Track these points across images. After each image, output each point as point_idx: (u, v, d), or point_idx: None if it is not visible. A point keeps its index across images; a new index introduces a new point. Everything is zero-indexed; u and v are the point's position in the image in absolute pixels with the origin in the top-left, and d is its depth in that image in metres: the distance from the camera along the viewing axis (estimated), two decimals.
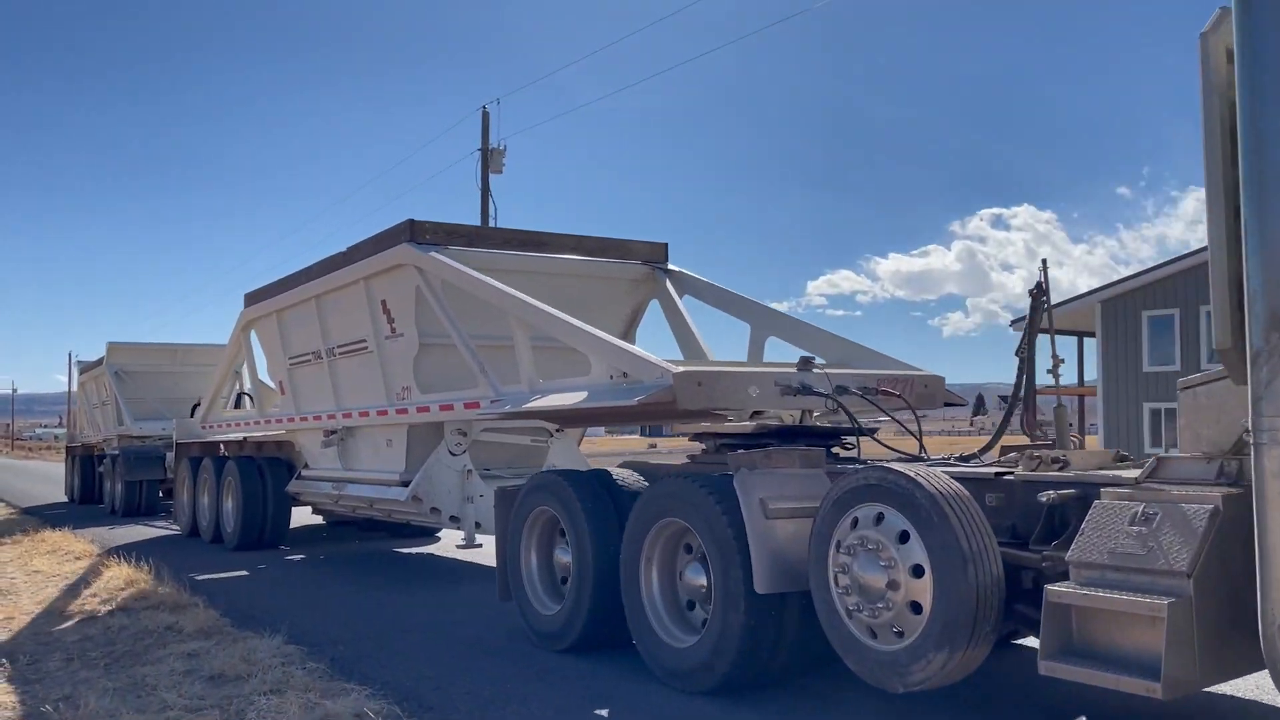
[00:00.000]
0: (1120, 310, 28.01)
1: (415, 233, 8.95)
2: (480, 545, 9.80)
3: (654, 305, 10.20)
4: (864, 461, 6.15)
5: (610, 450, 57.36)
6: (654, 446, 72.28)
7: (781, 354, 8.88)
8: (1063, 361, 5.35)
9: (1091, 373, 35.11)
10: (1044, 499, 4.58)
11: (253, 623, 7.88)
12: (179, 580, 9.84)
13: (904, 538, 4.65)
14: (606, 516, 6.54)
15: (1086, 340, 34.96)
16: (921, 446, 6.85)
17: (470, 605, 8.86)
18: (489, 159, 35.38)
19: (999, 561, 4.48)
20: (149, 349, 20.99)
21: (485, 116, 35.42)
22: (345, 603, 9.20)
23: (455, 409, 8.58)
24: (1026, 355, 5.56)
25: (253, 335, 13.28)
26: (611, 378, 6.67)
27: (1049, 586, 4.13)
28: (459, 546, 9.76)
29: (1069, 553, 4.19)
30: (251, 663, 6.38)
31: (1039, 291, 5.45)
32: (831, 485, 5.06)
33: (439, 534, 14.10)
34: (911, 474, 4.66)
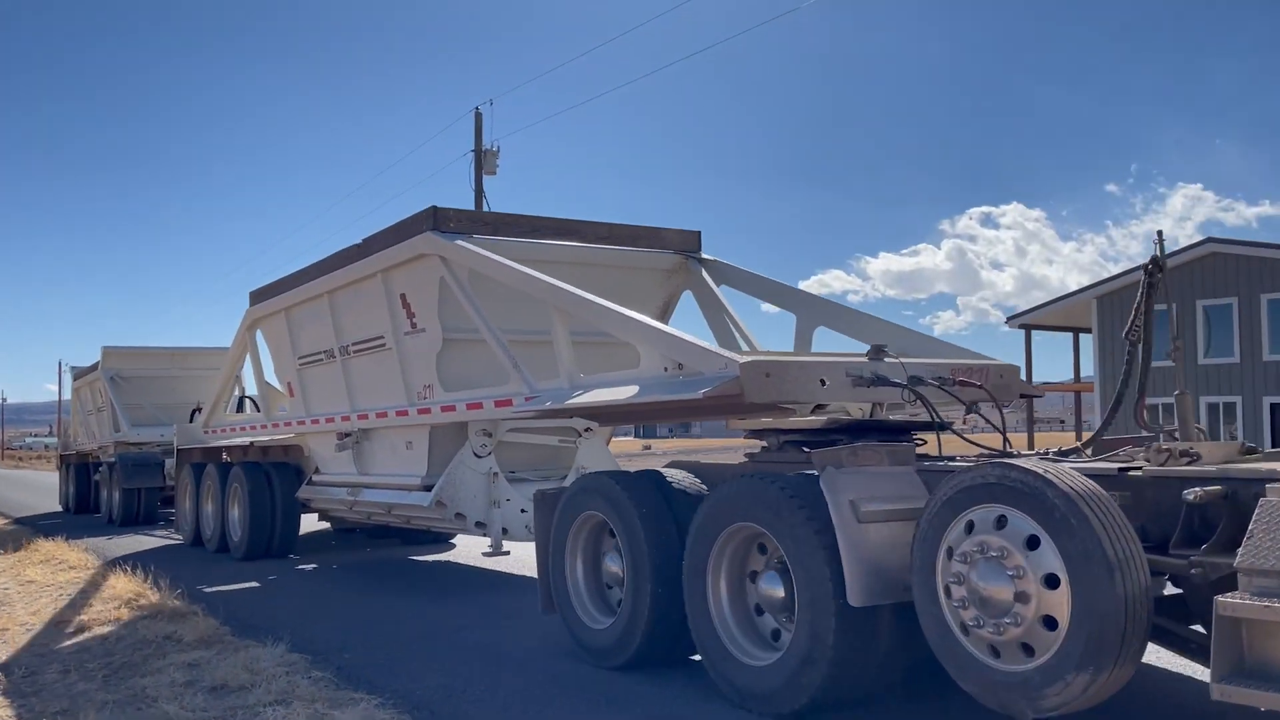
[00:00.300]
0: (1116, 306, 27.80)
1: (439, 220, 8.38)
2: (508, 552, 9.25)
3: (686, 297, 9.65)
4: (951, 458, 5.61)
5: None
6: (649, 448, 71.34)
7: (830, 345, 8.33)
8: (1180, 346, 4.80)
9: (1087, 369, 34.80)
10: (1190, 497, 4.04)
11: (254, 631, 7.58)
12: (186, 591, 9.31)
13: (1033, 543, 4.10)
14: (663, 521, 6.01)
15: (1082, 336, 34.68)
16: (1005, 441, 6.31)
17: (486, 613, 8.46)
18: (482, 160, 34.94)
19: (1146, 569, 3.94)
20: (145, 353, 20.36)
21: (478, 118, 34.91)
22: (351, 610, 8.81)
23: (485, 408, 8.01)
24: (1141, 337, 5.01)
25: (259, 335, 12.68)
26: (665, 370, 6.11)
27: (1220, 598, 3.58)
28: (485, 554, 9.20)
29: (1239, 558, 3.64)
30: (255, 672, 6.14)
31: (1155, 266, 4.90)
32: (940, 484, 4.51)
33: (454, 540, 13.55)
34: (1040, 471, 4.12)
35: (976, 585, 4.23)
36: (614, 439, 10.91)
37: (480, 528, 9.06)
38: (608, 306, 6.67)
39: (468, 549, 13.00)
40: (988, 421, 6.50)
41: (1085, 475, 4.20)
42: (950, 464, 5.25)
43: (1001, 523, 4.21)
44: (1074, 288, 30.79)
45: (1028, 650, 4.11)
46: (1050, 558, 4.03)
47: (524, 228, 8.72)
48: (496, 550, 9.06)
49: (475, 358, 8.72)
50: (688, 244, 9.53)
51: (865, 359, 6.12)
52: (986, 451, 5.80)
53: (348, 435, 10.41)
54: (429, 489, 9.05)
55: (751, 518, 5.27)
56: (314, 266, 10.68)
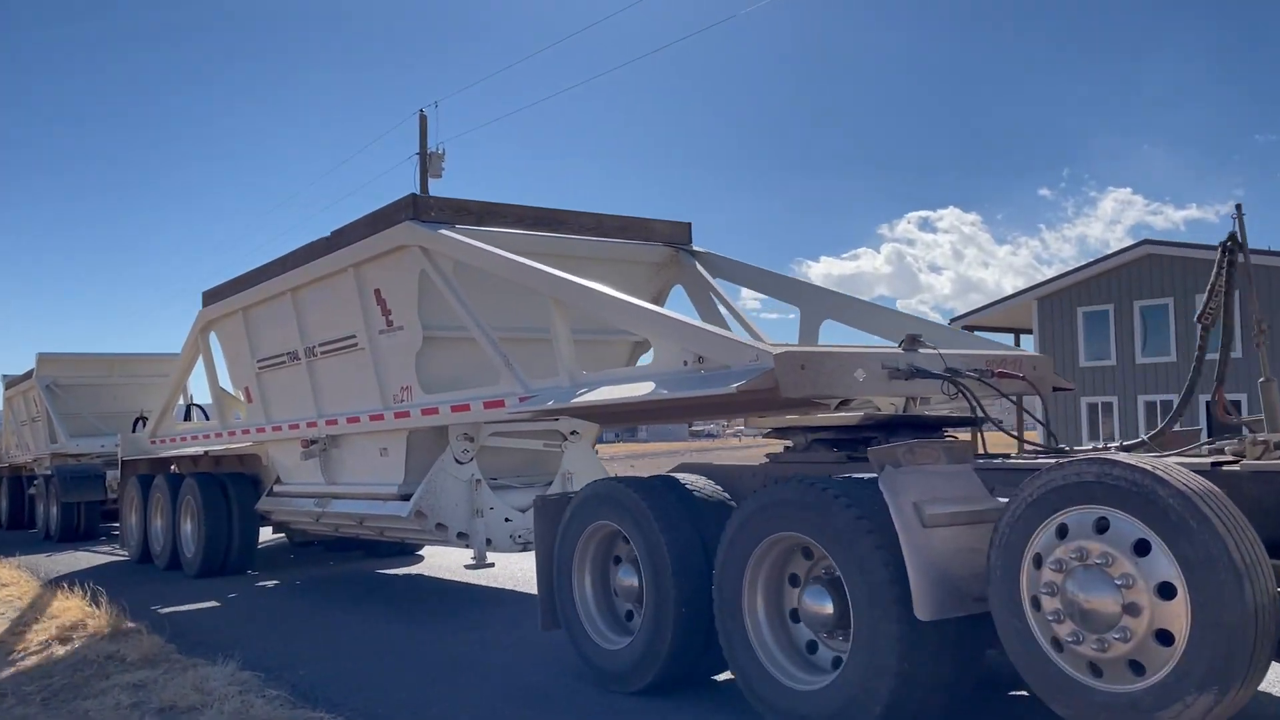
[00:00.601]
0: (1056, 307, 28.16)
1: (419, 209, 7.79)
2: (492, 564, 8.68)
3: (677, 291, 9.16)
4: (1004, 455, 5.18)
5: None
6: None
7: (836, 339, 7.90)
8: (1266, 329, 4.42)
9: None
10: None
11: (203, 649, 7.21)
12: (135, 610, 8.68)
13: (1142, 549, 3.66)
14: (687, 532, 5.50)
15: (1023, 337, 35.03)
16: (1051, 435, 5.92)
17: (456, 627, 8.01)
18: (428, 163, 34.15)
19: (1273, 576, 3.52)
20: (83, 360, 19.31)
21: (423, 120, 34.09)
22: (309, 626, 8.39)
23: (473, 409, 7.43)
24: (1215, 321, 4.62)
25: (212, 338, 11.92)
26: (685, 364, 5.60)
27: None
28: (468, 567, 8.62)
29: None
30: (205, 692, 5.83)
31: (1234, 244, 4.51)
32: (1023, 484, 4.05)
33: (421, 552, 12.89)
34: (1149, 467, 3.68)
35: (1075, 596, 3.78)
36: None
37: (462, 539, 8.47)
38: (618, 297, 6.15)
39: (438, 561, 12.36)
40: (987, 421, 6.04)
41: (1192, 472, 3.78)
42: (1008, 462, 4.82)
43: (1102, 526, 3.76)
44: (1009, 290, 31.36)
45: (1136, 668, 3.67)
46: (1164, 564, 3.59)
47: (509, 218, 8.16)
48: (480, 562, 8.47)
49: (459, 357, 8.14)
50: (678, 236, 9.04)
51: (900, 350, 5.68)
52: (1037, 448, 5.39)
53: (314, 442, 9.74)
54: (407, 498, 8.44)
55: (796, 526, 4.77)
56: (275, 263, 9.99)
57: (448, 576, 11.21)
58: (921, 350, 5.72)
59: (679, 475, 5.96)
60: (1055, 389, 6.40)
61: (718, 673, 5.84)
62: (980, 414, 5.52)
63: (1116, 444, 5.08)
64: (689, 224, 9.12)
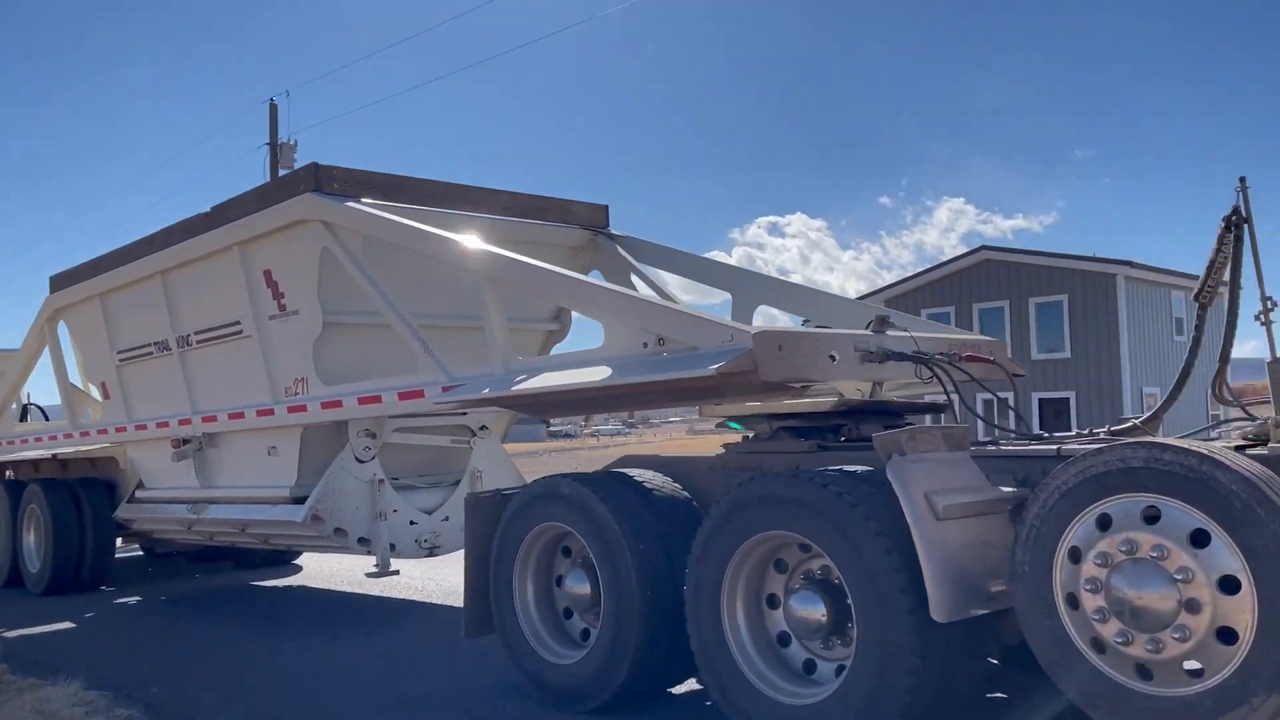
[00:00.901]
0: (902, 308, 29.26)
1: (321, 180, 7.01)
2: (396, 572, 7.94)
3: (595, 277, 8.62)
4: (992, 441, 4.88)
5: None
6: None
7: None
8: (1275, 306, 4.24)
9: None
10: None
11: (40, 669, 6.58)
12: None
13: (1200, 540, 3.37)
14: (649, 532, 5.01)
15: None
16: (1019, 419, 5.69)
17: (333, 639, 7.51)
18: (278, 154, 32.49)
19: None
20: None
21: (273, 109, 32.54)
22: (167, 642, 7.79)
23: (386, 401, 6.72)
24: (1212, 300, 4.42)
25: (61, 328, 10.69)
26: (645, 346, 5.10)
27: None
28: (369, 575, 7.84)
29: None
30: (47, 715, 5.43)
31: (1238, 219, 4.32)
32: (1055, 472, 3.73)
33: (300, 561, 11.95)
34: (1206, 451, 3.39)
35: (1124, 593, 3.46)
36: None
37: (364, 544, 7.72)
38: (570, 276, 5.63)
39: (318, 570, 11.47)
40: (957, 406, 5.83)
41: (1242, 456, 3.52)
42: (1006, 449, 4.52)
43: (1154, 516, 3.46)
44: (853, 294, 32.42)
45: (1194, 670, 3.38)
46: (1226, 556, 3.30)
47: (417, 194, 7.46)
48: (383, 570, 7.74)
49: (363, 344, 7.42)
50: (596, 219, 8.51)
51: (869, 332, 5.33)
52: (1018, 433, 5.13)
53: (187, 442, 8.75)
54: (300, 501, 7.63)
55: (786, 524, 4.34)
56: (141, 243, 8.96)
57: (330, 587, 10.39)
58: (890, 333, 5.40)
59: (629, 471, 5.47)
60: (1011, 375, 6.20)
61: (675, 685, 5.37)
62: (958, 398, 5.24)
63: (1106, 428, 4.84)
64: (606, 206, 8.61)
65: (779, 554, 4.57)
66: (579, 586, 5.29)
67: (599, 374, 5.14)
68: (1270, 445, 3.85)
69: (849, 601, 4.14)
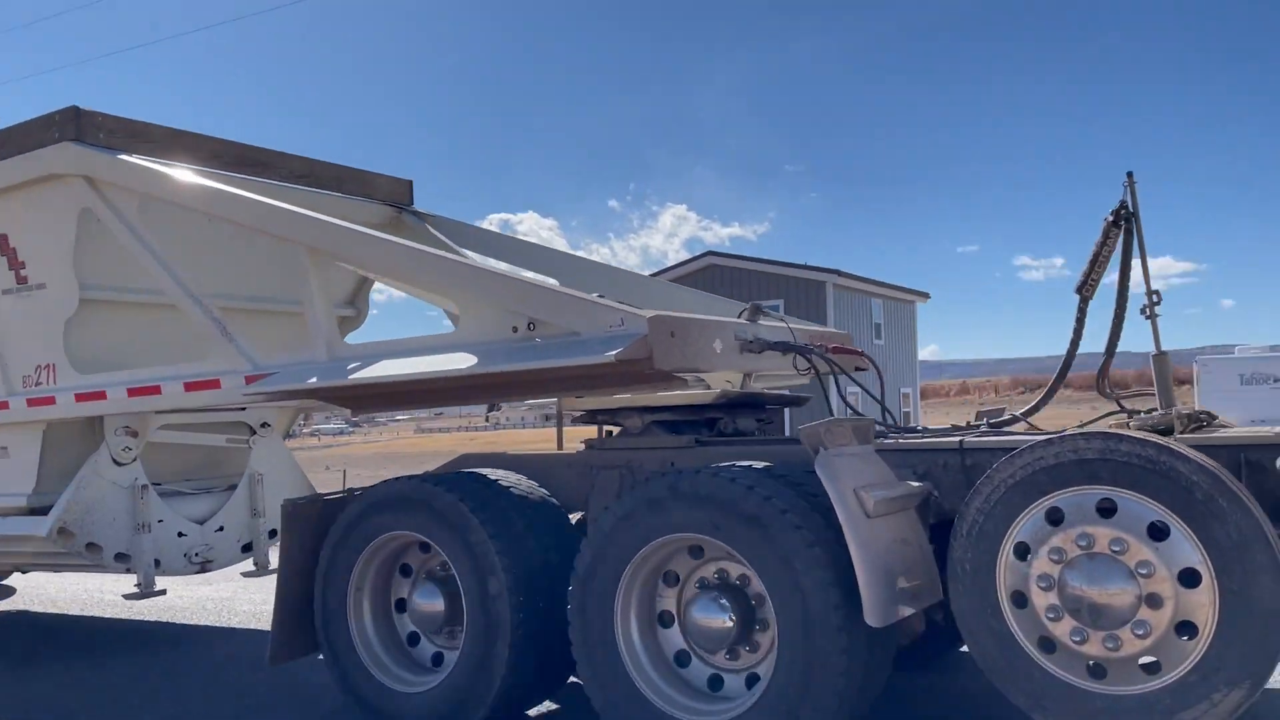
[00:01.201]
0: None
1: (84, 127, 5.85)
2: (163, 591, 6.83)
3: None
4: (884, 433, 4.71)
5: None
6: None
7: None
8: (1160, 300, 4.31)
9: None
10: None
11: None
12: None
13: (1158, 533, 3.29)
14: (519, 540, 4.46)
15: None
16: (886, 411, 5.58)
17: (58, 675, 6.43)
18: None
19: None
20: None
21: None
22: None
23: (167, 392, 5.68)
24: (1094, 294, 4.46)
25: None
26: (515, 330, 4.53)
27: None
28: (127, 597, 6.68)
29: None
30: None
31: (1126, 213, 4.36)
32: (1001, 465, 3.55)
33: (10, 582, 10.20)
34: (1163, 442, 3.32)
35: (1081, 590, 3.33)
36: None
37: (122, 561, 6.56)
38: (418, 248, 4.92)
39: (38, 592, 9.86)
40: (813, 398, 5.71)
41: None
42: (905, 442, 4.35)
43: (1109, 509, 3.35)
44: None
45: (1150, 667, 3.29)
46: (1186, 550, 3.23)
47: (202, 153, 6.40)
48: (146, 590, 6.60)
49: (131, 326, 6.31)
50: (399, 194, 7.76)
51: (745, 321, 5.04)
52: (892, 428, 4.99)
53: None
54: (42, 511, 6.38)
55: (694, 525, 3.94)
56: None
57: (56, 610, 8.94)
58: (763, 322, 5.14)
59: (488, 473, 4.88)
60: (859, 369, 6.13)
61: (532, 706, 4.85)
62: (837, 391, 5.05)
63: (982, 421, 4.80)
64: (410, 181, 7.87)
65: (670, 564, 4.17)
66: (430, 605, 4.64)
67: (463, 361, 4.51)
68: (1179, 436, 3.87)
69: (762, 609, 3.81)
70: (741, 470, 3.95)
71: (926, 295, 35.23)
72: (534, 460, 5.11)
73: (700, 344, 4.47)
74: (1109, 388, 4.54)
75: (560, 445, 16.09)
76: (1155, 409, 4.24)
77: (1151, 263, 4.40)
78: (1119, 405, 4.49)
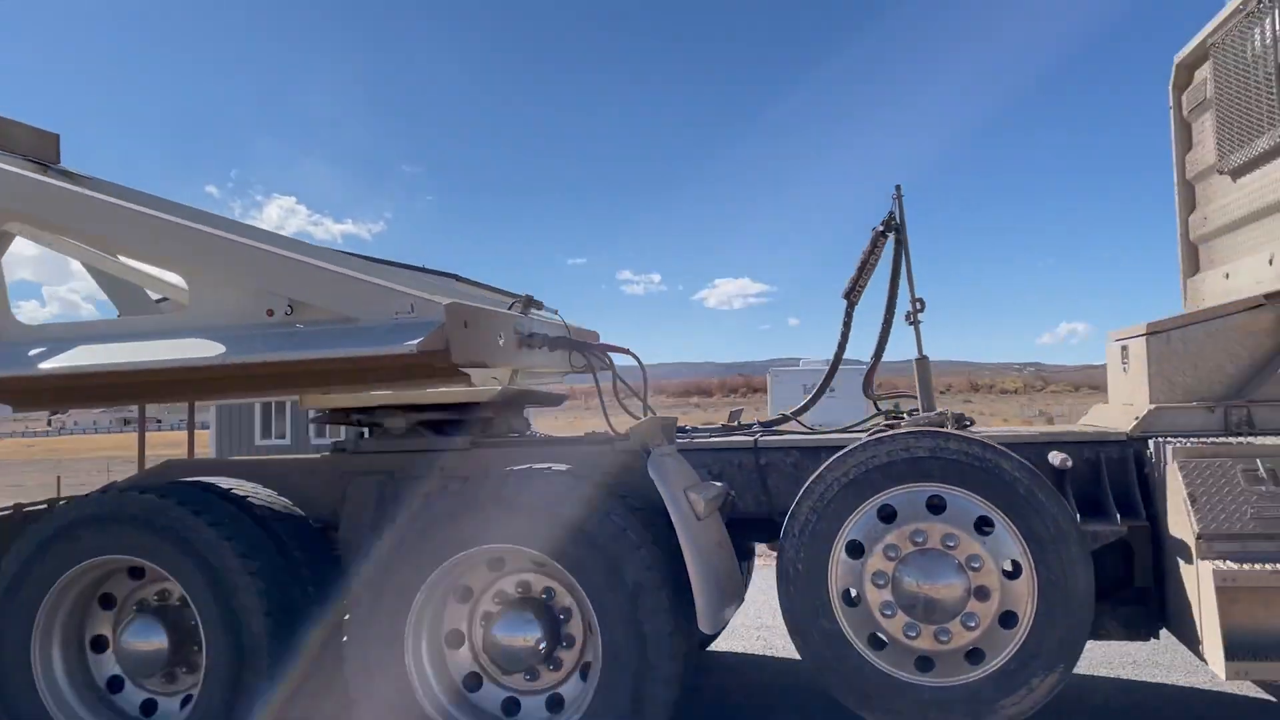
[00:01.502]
0: None
1: None
2: None
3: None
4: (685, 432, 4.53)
5: None
6: None
7: None
8: (923, 308, 4.53)
9: None
10: (1056, 461, 3.72)
11: None
12: None
13: (984, 527, 3.40)
14: (275, 561, 3.79)
15: None
16: (648, 409, 5.44)
17: None
18: None
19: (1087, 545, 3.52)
20: None
21: None
22: None
23: None
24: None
25: None
26: (271, 314, 3.84)
27: (1216, 566, 3.29)
28: None
29: (1198, 525, 3.40)
30: None
31: (894, 222, 4.55)
32: (834, 463, 3.51)
33: None
34: (984, 439, 3.44)
35: (915, 586, 3.37)
36: None
37: None
38: (135, 208, 4.02)
39: None
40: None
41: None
42: (703, 441, 4.23)
43: (939, 506, 3.42)
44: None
45: (974, 656, 3.39)
46: (1009, 543, 3.37)
47: None
48: None
49: None
50: (45, 150, 6.42)
51: (517, 313, 4.68)
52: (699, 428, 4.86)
53: None
54: None
55: (514, 538, 3.54)
56: None
57: None
58: (535, 315, 4.80)
59: (223, 482, 4.11)
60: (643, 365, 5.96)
61: None
62: (621, 387, 4.82)
63: (755, 423, 4.80)
64: (57, 135, 6.56)
65: (471, 575, 3.72)
66: (147, 641, 3.80)
67: (209, 350, 3.74)
68: (971, 432, 4.06)
69: (592, 617, 3.50)
70: (561, 473, 3.60)
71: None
72: (269, 466, 4.39)
73: (488, 336, 4.07)
74: (872, 390, 4.71)
75: (142, 451, 14.22)
76: (917, 409, 4.44)
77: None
78: (876, 408, 4.66)
